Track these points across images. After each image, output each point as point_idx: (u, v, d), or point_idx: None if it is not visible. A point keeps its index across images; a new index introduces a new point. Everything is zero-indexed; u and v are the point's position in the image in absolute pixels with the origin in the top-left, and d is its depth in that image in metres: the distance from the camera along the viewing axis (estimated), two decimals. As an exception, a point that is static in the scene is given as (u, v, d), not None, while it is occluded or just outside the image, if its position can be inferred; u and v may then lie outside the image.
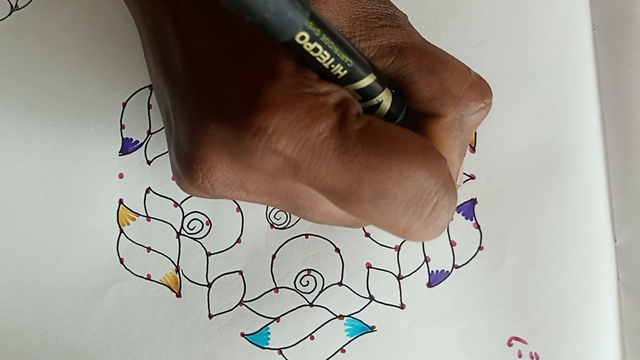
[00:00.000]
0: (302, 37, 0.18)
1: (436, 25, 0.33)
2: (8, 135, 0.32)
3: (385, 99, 0.23)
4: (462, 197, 0.32)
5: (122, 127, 0.33)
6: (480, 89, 0.24)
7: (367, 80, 0.21)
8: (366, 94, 0.22)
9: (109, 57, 0.33)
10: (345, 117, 0.20)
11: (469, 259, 0.32)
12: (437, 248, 0.32)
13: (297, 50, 0.19)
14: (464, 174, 0.33)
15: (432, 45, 0.25)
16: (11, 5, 0.33)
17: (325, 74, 0.21)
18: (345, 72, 0.20)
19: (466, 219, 0.32)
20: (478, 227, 0.32)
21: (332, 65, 0.20)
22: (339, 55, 0.20)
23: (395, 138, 0.20)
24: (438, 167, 0.20)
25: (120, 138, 0.33)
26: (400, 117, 0.24)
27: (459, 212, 0.32)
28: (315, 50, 0.19)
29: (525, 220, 0.32)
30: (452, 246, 0.32)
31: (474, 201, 0.32)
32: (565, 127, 0.32)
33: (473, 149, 0.33)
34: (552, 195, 0.32)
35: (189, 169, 0.22)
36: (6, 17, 0.33)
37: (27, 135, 0.32)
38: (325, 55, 0.19)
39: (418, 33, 0.25)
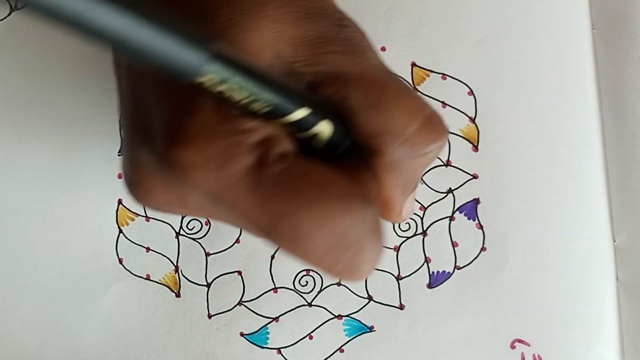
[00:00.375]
0: (204, 82, 0.17)
1: (438, 22, 0.32)
2: (7, 135, 0.33)
3: (324, 130, 0.21)
4: (465, 196, 0.32)
5: (121, 127, 0.33)
6: (431, 131, 0.22)
7: (298, 114, 0.20)
8: (299, 126, 0.21)
9: (109, 57, 0.33)
10: (265, 158, 0.19)
11: (471, 259, 0.32)
12: (439, 249, 0.32)
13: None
14: (466, 173, 0.32)
15: (388, 76, 0.23)
16: (11, 6, 0.33)
17: (246, 110, 0.19)
18: (269, 108, 0.19)
19: (469, 219, 0.32)
20: (481, 227, 0.32)
21: (251, 104, 0.19)
22: (258, 94, 0.19)
23: (316, 184, 0.19)
24: (360, 215, 0.20)
25: (120, 138, 0.33)
26: (345, 146, 0.22)
27: (461, 213, 0.32)
28: (225, 91, 0.18)
29: (528, 221, 0.32)
30: (454, 247, 0.32)
31: (476, 201, 0.32)
32: (564, 126, 0.32)
33: (476, 148, 0.32)
34: (552, 195, 0.31)
35: (130, 191, 0.23)
36: (6, 17, 0.33)
37: (26, 135, 0.33)
38: (240, 94, 0.18)
39: (376, 59, 0.23)
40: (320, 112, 0.21)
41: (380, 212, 0.24)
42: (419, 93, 0.32)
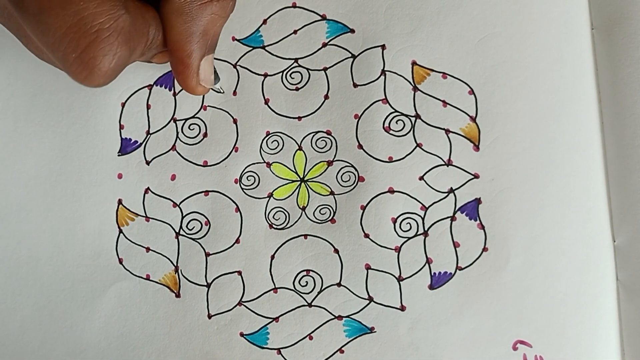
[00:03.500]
0: None
1: (438, 20, 0.32)
2: (7, 135, 0.33)
3: None
4: (466, 196, 0.32)
5: (121, 127, 0.33)
6: None
7: None
8: None
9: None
10: None
11: (473, 260, 0.32)
12: (440, 249, 0.32)
13: None
14: (467, 172, 0.32)
15: None
16: (12, 7, 0.33)
17: None
18: None
19: (470, 219, 0.32)
20: (482, 227, 0.32)
21: None
22: None
23: None
24: (108, 12, 0.20)
25: (119, 138, 0.33)
26: None
27: (462, 213, 0.32)
28: None
29: (529, 221, 0.31)
30: (455, 247, 0.32)
31: (477, 201, 0.32)
32: (564, 126, 0.31)
33: (477, 147, 0.32)
34: (552, 195, 0.31)
35: None
36: (7, 19, 0.33)
37: (26, 136, 0.33)
38: None
39: None
40: None
41: (179, 73, 0.25)
42: (420, 92, 0.32)
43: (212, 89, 0.31)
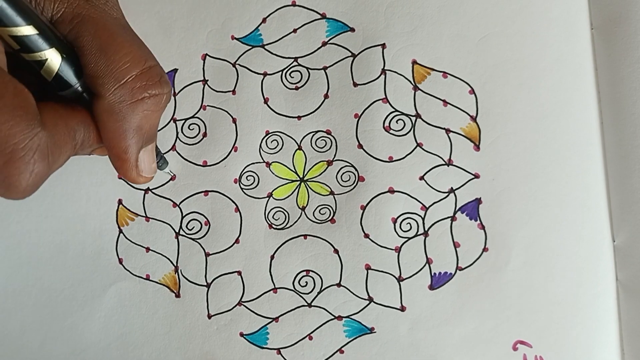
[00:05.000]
0: None
1: (439, 19, 0.32)
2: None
3: (52, 59, 0.23)
4: (467, 196, 0.32)
5: None
6: (149, 78, 0.25)
7: (25, 30, 0.22)
8: (25, 45, 0.22)
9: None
10: None
11: (473, 260, 0.31)
12: (440, 249, 0.31)
13: None
14: (468, 172, 0.32)
15: (123, 28, 0.25)
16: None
17: None
18: None
19: (470, 219, 0.32)
20: (483, 227, 0.31)
21: None
22: None
23: None
24: (25, 129, 0.21)
25: (119, 138, 0.33)
26: (76, 87, 0.24)
27: (463, 213, 0.32)
28: None
29: (529, 221, 0.31)
30: (455, 247, 0.31)
31: (478, 201, 0.31)
32: (564, 126, 0.31)
33: (477, 147, 0.32)
34: (552, 194, 0.31)
35: None
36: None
37: (26, 137, 0.33)
38: None
39: (116, 13, 0.25)
40: (51, 40, 0.23)
41: (118, 168, 0.26)
42: (421, 91, 0.32)
43: (165, 172, 0.32)
